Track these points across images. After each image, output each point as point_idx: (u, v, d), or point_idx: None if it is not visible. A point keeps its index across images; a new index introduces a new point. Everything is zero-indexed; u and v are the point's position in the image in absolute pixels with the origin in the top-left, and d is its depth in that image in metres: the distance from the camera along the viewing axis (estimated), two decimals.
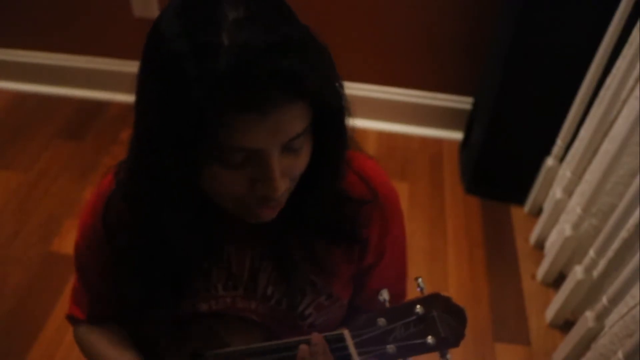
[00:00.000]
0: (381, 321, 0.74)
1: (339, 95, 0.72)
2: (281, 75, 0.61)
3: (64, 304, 1.85)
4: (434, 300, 0.73)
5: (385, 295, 0.76)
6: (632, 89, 1.60)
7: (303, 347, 0.80)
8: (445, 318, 0.72)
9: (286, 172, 0.71)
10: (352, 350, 0.78)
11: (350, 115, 0.76)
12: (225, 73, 0.60)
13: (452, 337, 0.72)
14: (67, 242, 2.05)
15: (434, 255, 2.06)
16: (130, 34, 2.36)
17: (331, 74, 0.71)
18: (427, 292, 0.76)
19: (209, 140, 0.64)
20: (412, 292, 0.80)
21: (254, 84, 0.61)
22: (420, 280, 0.76)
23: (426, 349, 0.73)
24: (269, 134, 0.65)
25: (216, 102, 0.61)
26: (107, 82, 2.62)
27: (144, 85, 0.70)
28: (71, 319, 1.07)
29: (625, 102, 1.63)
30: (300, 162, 0.73)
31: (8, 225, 2.12)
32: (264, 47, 0.61)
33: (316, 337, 0.81)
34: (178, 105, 0.63)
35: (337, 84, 0.72)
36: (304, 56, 0.64)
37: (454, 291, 1.94)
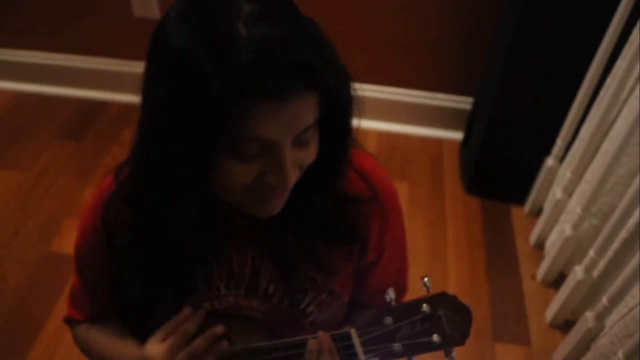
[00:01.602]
0: (388, 320, 0.75)
1: (348, 85, 0.74)
2: (300, 65, 0.63)
3: (64, 304, 1.85)
4: (440, 299, 0.74)
5: (391, 294, 0.76)
6: (632, 89, 1.60)
7: (312, 342, 0.81)
8: (451, 317, 0.73)
9: (296, 163, 0.72)
10: (359, 348, 0.78)
11: (358, 114, 0.77)
12: (246, 64, 0.61)
13: (458, 335, 0.73)
14: (67, 242, 2.05)
15: (434, 255, 2.06)
16: (130, 34, 2.37)
17: (343, 69, 0.72)
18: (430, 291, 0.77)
19: (227, 133, 0.65)
20: (418, 291, 0.80)
21: (274, 74, 0.62)
22: (426, 279, 0.76)
23: (432, 347, 0.73)
24: (285, 124, 0.66)
25: (237, 93, 0.62)
26: (107, 82, 2.60)
27: (152, 86, 0.70)
28: (69, 321, 1.06)
29: (625, 102, 1.63)
30: (310, 154, 0.74)
31: (8, 225, 2.12)
32: (283, 38, 0.63)
33: (322, 335, 0.81)
34: (195, 100, 0.63)
35: (346, 74, 0.73)
36: (318, 47, 0.66)
37: (454, 291, 1.91)
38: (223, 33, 0.62)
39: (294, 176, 0.72)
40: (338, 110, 0.73)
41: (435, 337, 0.72)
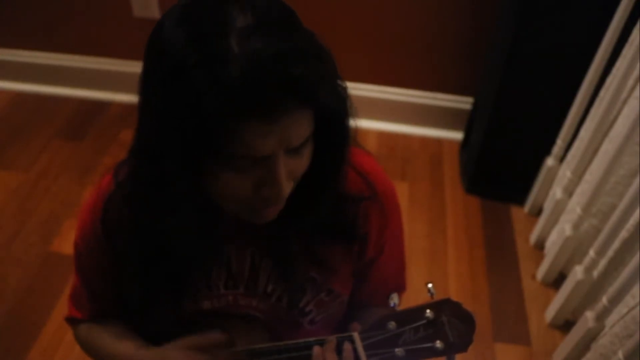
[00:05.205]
0: (391, 324, 0.75)
1: (344, 101, 0.73)
2: (292, 83, 0.62)
3: (64, 304, 1.85)
4: (444, 305, 0.74)
5: (395, 299, 0.77)
6: (632, 89, 1.60)
7: (317, 349, 0.81)
8: (455, 323, 0.73)
9: (290, 174, 0.72)
10: (361, 352, 0.78)
11: (354, 117, 0.77)
12: (236, 81, 0.60)
13: (460, 342, 0.73)
14: (67, 242, 2.05)
15: (434, 255, 2.06)
16: (130, 34, 2.37)
17: (337, 80, 0.72)
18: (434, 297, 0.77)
19: (217, 148, 0.64)
20: (417, 291, 0.80)
21: (265, 92, 0.61)
22: (431, 286, 0.76)
23: (434, 353, 0.74)
24: (277, 141, 0.65)
25: (227, 110, 0.61)
26: (107, 82, 2.61)
27: (148, 93, 0.70)
28: (71, 320, 1.06)
29: (625, 102, 1.63)
30: (303, 163, 0.73)
31: (8, 225, 2.12)
32: (274, 54, 0.61)
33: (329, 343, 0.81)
34: (187, 115, 0.63)
35: (342, 90, 0.73)
36: (312, 64, 0.64)
37: (454, 291, 1.95)
38: (216, 47, 0.61)
39: (287, 188, 0.72)
40: (334, 124, 0.72)
41: (438, 344, 0.73)
